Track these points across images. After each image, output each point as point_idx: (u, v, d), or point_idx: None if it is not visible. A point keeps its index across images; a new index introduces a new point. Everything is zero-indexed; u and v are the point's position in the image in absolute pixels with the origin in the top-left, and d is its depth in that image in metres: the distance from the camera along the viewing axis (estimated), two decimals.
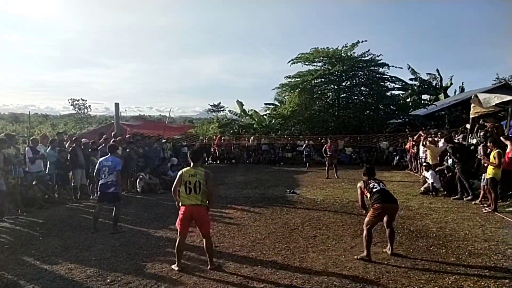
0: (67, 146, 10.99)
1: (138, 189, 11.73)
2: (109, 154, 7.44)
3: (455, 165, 10.12)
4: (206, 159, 22.29)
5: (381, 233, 6.55)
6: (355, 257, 5.54)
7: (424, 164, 12.18)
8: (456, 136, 13.11)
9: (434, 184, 10.73)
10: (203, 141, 23.60)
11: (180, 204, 5.18)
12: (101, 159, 7.56)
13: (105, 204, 7.44)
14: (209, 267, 5.16)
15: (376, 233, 6.80)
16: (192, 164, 5.22)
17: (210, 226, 5.38)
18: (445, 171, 11.18)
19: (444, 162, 11.71)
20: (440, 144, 12.49)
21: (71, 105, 72.06)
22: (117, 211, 7.21)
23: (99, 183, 7.29)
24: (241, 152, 22.50)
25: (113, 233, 7.01)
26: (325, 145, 15.71)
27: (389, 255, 5.64)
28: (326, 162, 15.19)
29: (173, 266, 5.19)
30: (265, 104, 33.03)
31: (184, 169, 5.28)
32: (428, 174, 11.08)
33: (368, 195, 5.70)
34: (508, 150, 8.81)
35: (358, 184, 5.97)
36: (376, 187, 5.65)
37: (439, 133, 15.42)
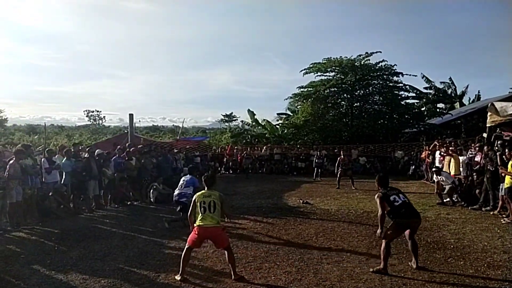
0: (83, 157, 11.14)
1: (151, 199, 11.78)
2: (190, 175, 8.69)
3: (485, 174, 9.79)
4: (219, 168, 22.34)
5: (397, 245, 6.44)
6: (371, 269, 5.41)
7: (434, 169, 11.83)
8: (473, 145, 12.82)
9: (452, 185, 10.54)
10: (215, 151, 23.66)
11: (195, 225, 5.24)
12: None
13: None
14: (233, 277, 5.16)
15: (392, 245, 6.68)
16: (206, 188, 5.42)
17: (228, 240, 5.43)
18: (462, 180, 10.96)
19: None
20: (467, 153, 12.23)
21: (86, 116, 73.67)
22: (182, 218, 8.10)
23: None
24: (254, 162, 22.47)
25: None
26: (339, 158, 15.49)
27: (413, 267, 5.44)
28: (339, 174, 14.96)
29: (176, 277, 5.19)
30: (278, 114, 33.11)
31: (197, 193, 5.42)
32: (443, 177, 10.86)
33: (388, 208, 5.39)
34: None
35: (376, 196, 5.59)
36: (398, 201, 5.37)
37: (453, 143, 15.16)
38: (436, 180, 11.23)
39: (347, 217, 9.31)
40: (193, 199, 5.37)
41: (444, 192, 10.76)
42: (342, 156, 15.42)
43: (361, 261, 5.88)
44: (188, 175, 8.68)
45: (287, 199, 12.14)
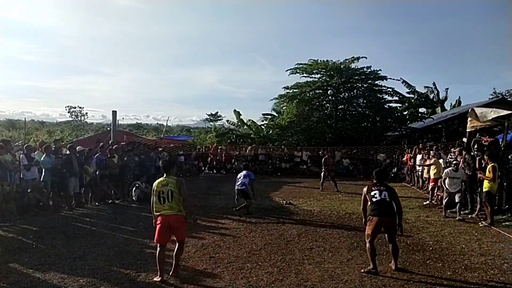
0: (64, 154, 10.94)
1: (134, 198, 11.65)
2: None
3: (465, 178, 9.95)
4: (203, 168, 22.24)
5: (377, 246, 6.52)
6: (362, 270, 5.46)
7: (451, 166, 9.80)
8: (452, 149, 13.09)
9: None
10: (200, 150, 23.54)
11: (156, 215, 5.18)
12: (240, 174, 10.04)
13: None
14: (170, 273, 5.13)
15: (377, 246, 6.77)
16: (164, 174, 5.26)
17: (186, 234, 5.36)
18: (441, 184, 11.15)
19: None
20: (447, 157, 12.47)
21: (68, 112, 72.36)
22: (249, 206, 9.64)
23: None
24: (238, 162, 22.43)
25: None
26: (324, 158, 15.24)
27: (392, 269, 5.53)
28: (322, 175, 14.81)
29: (155, 278, 5.08)
30: (263, 114, 33.18)
31: (156, 181, 5.26)
32: (452, 184, 9.53)
33: (369, 203, 5.60)
34: None
35: (364, 189, 5.86)
36: (376, 197, 5.52)
37: (434, 147, 15.43)
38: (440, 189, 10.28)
39: (329, 218, 9.39)
40: (153, 188, 5.24)
41: (457, 201, 9.33)
42: (327, 157, 15.34)
43: (342, 262, 5.94)
44: (244, 171, 10.09)
45: (270, 200, 12.17)
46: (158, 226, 5.13)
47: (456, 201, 9.28)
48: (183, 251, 5.31)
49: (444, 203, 9.68)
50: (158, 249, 5.16)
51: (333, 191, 14.23)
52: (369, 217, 5.53)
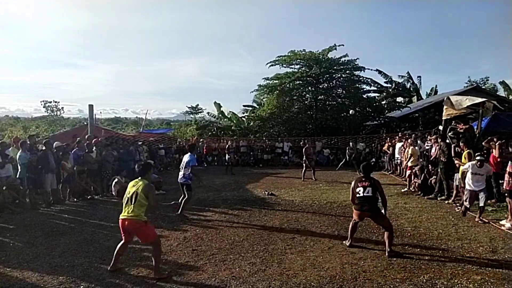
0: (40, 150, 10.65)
1: (113, 193, 11.44)
2: (189, 152, 8.57)
3: (439, 165, 10.19)
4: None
5: (358, 233, 6.66)
6: (344, 242, 6.23)
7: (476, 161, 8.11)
8: (429, 137, 13.39)
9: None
10: (180, 143, 23.33)
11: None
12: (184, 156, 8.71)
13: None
14: (153, 273, 4.97)
15: (356, 235, 6.90)
16: (139, 177, 5.16)
17: (154, 235, 5.07)
18: (417, 171, 11.42)
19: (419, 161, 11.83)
20: (424, 144, 12.77)
21: (43, 107, 70.27)
22: (186, 200, 8.35)
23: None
24: (220, 154, 22.37)
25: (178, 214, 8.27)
26: (304, 148, 15.38)
27: (386, 255, 5.71)
28: (304, 164, 14.92)
29: (108, 267, 5.17)
30: (244, 106, 33.09)
31: (131, 182, 5.20)
32: (473, 181, 8.09)
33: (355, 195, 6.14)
34: (495, 153, 9.09)
35: (352, 183, 6.36)
36: (360, 193, 6.04)
37: (413, 135, 15.74)
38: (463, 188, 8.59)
39: (310, 207, 9.49)
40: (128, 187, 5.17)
41: (481, 205, 7.84)
42: (307, 146, 15.58)
43: (324, 250, 6.02)
44: (187, 154, 8.60)
45: (252, 191, 12.20)
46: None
47: (481, 204, 7.80)
48: (159, 251, 5.08)
49: (464, 202, 8.31)
50: (120, 242, 5.22)
51: (314, 181, 14.35)
52: (354, 207, 6.18)
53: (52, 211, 9.48)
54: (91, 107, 15.45)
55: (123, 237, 5.16)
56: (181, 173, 8.43)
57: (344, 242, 6.30)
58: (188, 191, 8.37)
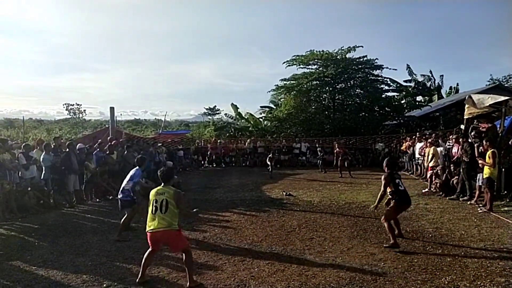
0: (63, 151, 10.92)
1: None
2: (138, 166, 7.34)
3: (461, 165, 10.01)
4: (202, 162, 22.24)
5: (377, 234, 6.60)
6: (384, 245, 6.07)
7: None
8: (451, 137, 13.11)
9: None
10: (198, 144, 23.54)
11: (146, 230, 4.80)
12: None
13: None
14: (188, 284, 4.70)
15: (373, 234, 6.84)
16: (162, 184, 4.90)
17: (184, 242, 4.89)
18: (439, 171, 11.21)
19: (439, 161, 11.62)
20: (445, 144, 12.52)
21: (66, 109, 72.00)
22: (126, 219, 7.09)
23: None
24: (237, 155, 22.47)
25: (116, 240, 6.87)
26: (335, 151, 16.74)
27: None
28: (339, 164, 16.03)
29: (137, 280, 4.87)
30: (261, 107, 33.11)
31: (153, 190, 4.93)
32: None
33: (393, 189, 6.11)
34: None
35: (384, 177, 6.24)
36: (401, 186, 6.12)
37: (433, 135, 15.46)
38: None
39: (329, 208, 9.44)
40: (150, 196, 4.89)
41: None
42: (338, 149, 16.54)
43: (343, 251, 5.99)
44: (134, 168, 7.38)
45: (270, 192, 12.21)
46: (148, 240, 4.85)
47: None
48: (191, 258, 4.80)
49: None
50: (147, 251, 4.92)
51: (333, 181, 14.30)
52: (398, 202, 6.14)
53: (75, 211, 9.72)
54: (112, 109, 15.73)
55: (151, 246, 4.88)
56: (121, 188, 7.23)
57: (389, 243, 6.04)
58: (127, 208, 7.15)
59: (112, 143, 12.33)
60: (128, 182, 7.07)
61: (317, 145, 20.12)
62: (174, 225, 4.67)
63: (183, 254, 4.77)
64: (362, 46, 24.82)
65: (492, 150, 8.55)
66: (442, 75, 34.88)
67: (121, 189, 7.15)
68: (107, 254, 6.10)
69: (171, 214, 4.65)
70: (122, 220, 7.09)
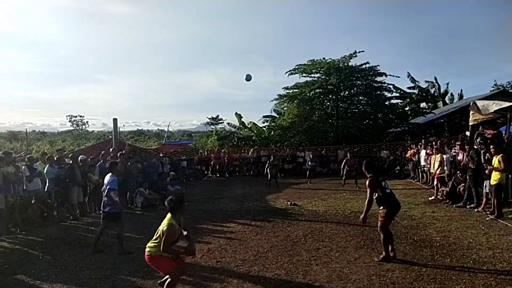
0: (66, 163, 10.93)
1: (137, 205, 11.64)
2: (110, 172, 7.02)
3: (467, 172, 9.91)
4: (206, 172, 22.19)
5: (378, 243, 6.52)
6: (375, 259, 5.81)
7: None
8: (456, 144, 13.04)
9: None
10: (202, 154, 23.53)
11: None
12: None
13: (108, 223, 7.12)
14: None
15: (379, 244, 6.75)
16: (169, 213, 4.63)
17: (167, 269, 4.52)
18: (446, 178, 11.12)
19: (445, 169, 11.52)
20: (451, 151, 12.43)
21: (69, 121, 72.53)
22: (119, 231, 6.90)
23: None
24: (241, 165, 22.42)
25: (119, 253, 6.76)
26: (345, 159, 16.26)
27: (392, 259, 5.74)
28: (345, 173, 15.60)
29: None
30: (264, 116, 33.11)
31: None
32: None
33: (380, 193, 5.76)
34: None
35: (368, 181, 5.81)
36: (388, 188, 5.82)
37: (438, 141, 15.38)
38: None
39: (334, 217, 9.35)
40: None
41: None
42: (348, 157, 16.23)
43: (350, 262, 5.90)
44: (108, 175, 7.00)
45: (274, 201, 12.13)
46: None
47: None
48: (173, 286, 4.58)
49: None
50: None
51: (338, 190, 14.21)
52: (389, 208, 5.78)
53: (79, 224, 9.68)
54: (115, 120, 15.76)
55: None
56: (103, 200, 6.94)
57: (381, 256, 5.84)
58: (117, 221, 6.90)
59: (116, 154, 12.32)
60: (107, 192, 6.76)
61: (306, 152, 20.12)
62: (154, 250, 4.48)
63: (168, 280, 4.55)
64: (363, 51, 24.90)
65: (501, 154, 8.47)
66: (448, 83, 34.96)
67: (103, 202, 6.90)
68: (111, 267, 6.05)
69: (156, 242, 4.47)
70: (117, 233, 6.91)
